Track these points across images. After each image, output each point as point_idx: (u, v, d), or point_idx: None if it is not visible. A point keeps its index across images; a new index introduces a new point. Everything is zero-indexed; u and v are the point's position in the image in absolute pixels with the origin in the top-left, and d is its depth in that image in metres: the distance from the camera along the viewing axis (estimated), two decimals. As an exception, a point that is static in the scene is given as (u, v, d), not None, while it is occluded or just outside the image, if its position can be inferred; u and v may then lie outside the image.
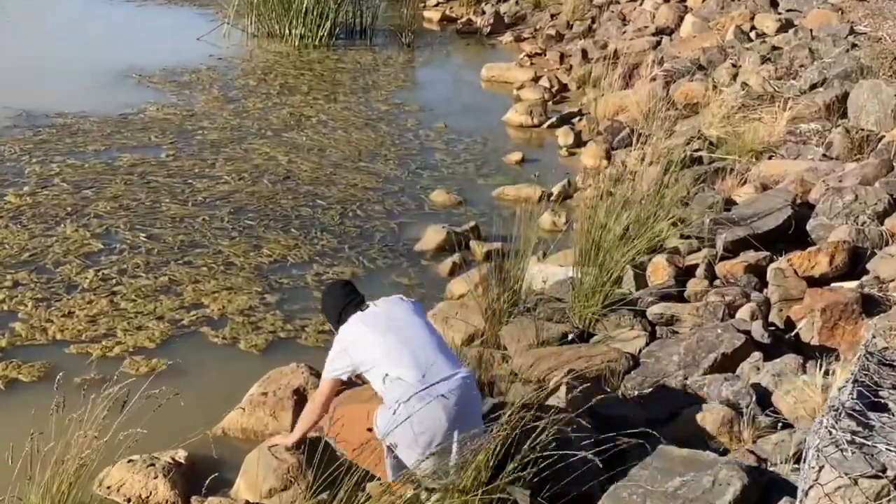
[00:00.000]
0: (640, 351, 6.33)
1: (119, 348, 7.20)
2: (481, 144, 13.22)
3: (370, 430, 4.98)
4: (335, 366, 5.31)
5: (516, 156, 12.57)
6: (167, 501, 5.44)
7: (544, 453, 4.61)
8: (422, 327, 5.32)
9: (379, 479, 5.00)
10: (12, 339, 7.26)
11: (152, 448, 5.63)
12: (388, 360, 5.06)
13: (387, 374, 5.02)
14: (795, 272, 6.85)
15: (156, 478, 5.50)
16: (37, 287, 8.07)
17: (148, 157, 11.64)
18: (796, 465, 4.50)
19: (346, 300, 5.48)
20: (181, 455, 5.76)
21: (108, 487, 5.50)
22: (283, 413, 6.04)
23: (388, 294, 5.29)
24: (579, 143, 12.97)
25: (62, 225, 9.41)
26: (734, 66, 13.18)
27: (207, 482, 5.20)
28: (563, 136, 13.23)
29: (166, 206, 10.11)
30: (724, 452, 4.88)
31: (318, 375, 5.57)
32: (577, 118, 14.20)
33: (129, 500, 5.45)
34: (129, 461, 5.55)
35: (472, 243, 9.32)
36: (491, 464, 4.67)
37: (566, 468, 4.60)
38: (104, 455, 4.68)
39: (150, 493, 5.45)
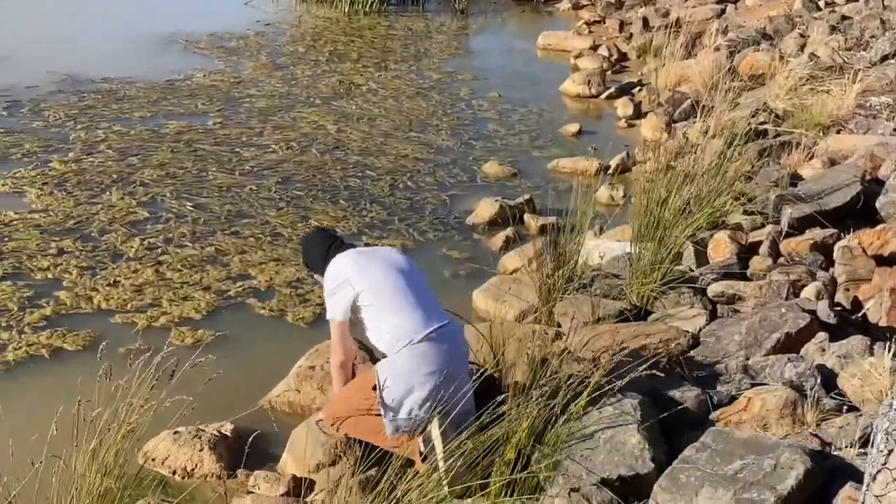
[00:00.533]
0: (699, 330, 6.30)
1: (164, 319, 7.27)
2: (536, 115, 13.19)
3: (374, 388, 5.17)
4: (338, 299, 5.43)
5: (573, 127, 12.52)
6: (213, 474, 5.50)
7: (594, 431, 4.62)
8: (419, 276, 5.65)
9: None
10: (57, 307, 7.35)
11: (198, 420, 5.68)
12: (390, 300, 5.35)
13: (387, 319, 5.30)
14: (864, 251, 6.78)
15: (201, 450, 5.57)
16: (82, 255, 8.18)
17: (194, 125, 11.74)
18: (862, 450, 4.46)
19: (329, 242, 5.75)
20: (227, 428, 5.82)
21: (154, 459, 5.57)
22: (330, 387, 6.08)
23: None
24: (639, 114, 12.90)
25: (107, 192, 9.52)
26: (802, 36, 13.04)
27: (252, 456, 5.24)
28: (622, 107, 13.17)
29: (213, 174, 10.20)
30: (787, 436, 4.86)
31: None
32: (637, 88, 14.14)
33: (174, 472, 5.52)
34: (175, 433, 5.62)
35: (527, 217, 9.31)
36: (531, 438, 4.68)
37: (618, 448, 4.61)
38: (150, 426, 4.74)
39: (196, 465, 5.52)
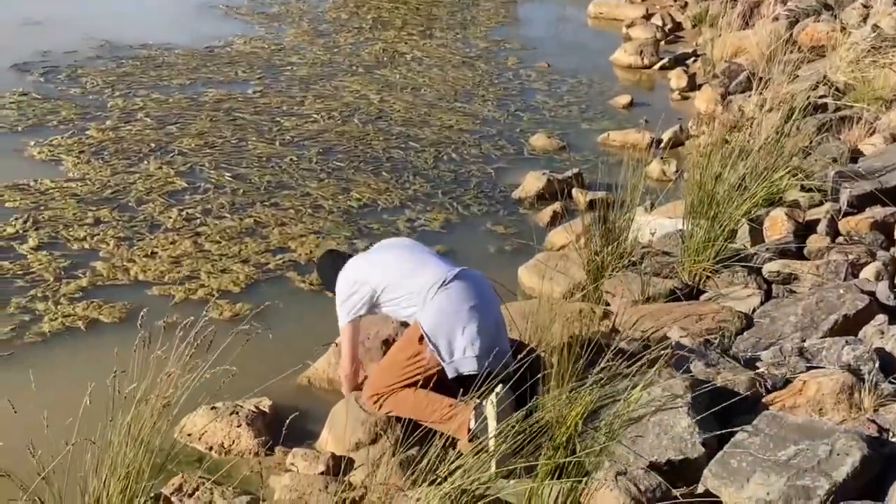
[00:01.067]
0: (753, 310, 6.26)
1: (202, 291, 7.32)
2: (586, 86, 13.14)
3: (420, 339, 5.26)
4: (352, 303, 5.60)
5: (624, 99, 12.47)
6: (250, 451, 5.53)
7: (643, 414, 4.60)
8: (427, 248, 5.95)
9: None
10: (93, 278, 7.42)
11: (236, 396, 5.72)
12: (407, 268, 5.53)
13: (410, 284, 5.42)
14: (926, 230, 6.71)
15: (239, 426, 5.60)
16: (119, 225, 8.25)
17: (234, 93, 11.79)
18: (921, 438, 4.43)
19: (338, 260, 5.94)
20: (265, 404, 5.85)
21: (190, 434, 5.61)
22: (371, 364, 6.09)
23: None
24: (693, 86, 12.82)
25: (145, 161, 9.60)
26: (864, 6, 12.86)
27: (290, 433, 5.25)
28: (676, 79, 13.09)
29: (253, 144, 10.24)
30: (843, 421, 4.82)
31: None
32: (692, 59, 14.05)
33: (210, 449, 5.56)
34: (212, 408, 5.65)
35: (575, 191, 9.27)
36: (579, 422, 4.67)
37: (667, 431, 4.60)
38: (186, 401, 4.77)
39: (233, 441, 5.55)
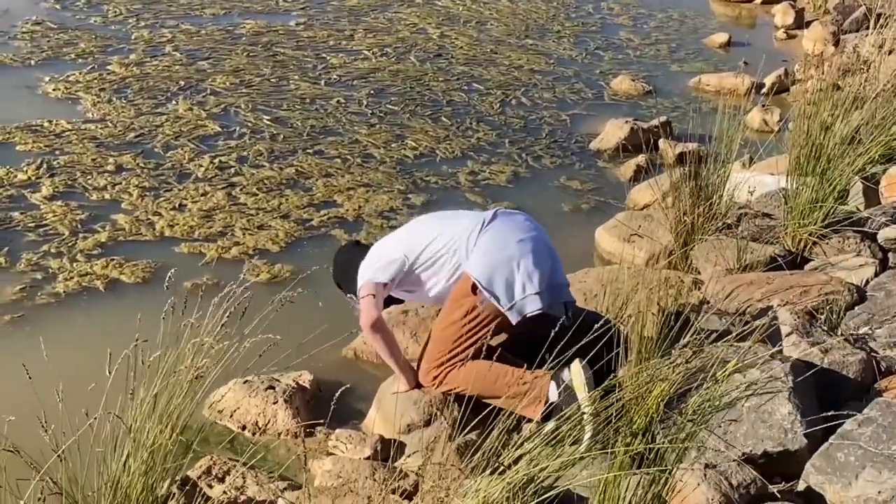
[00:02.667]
0: (866, 283, 6.19)
1: (237, 250, 7.36)
2: (677, 22, 13.04)
3: (473, 288, 5.26)
4: (375, 269, 5.54)
5: (720, 37, 12.37)
6: (288, 432, 5.54)
7: (737, 398, 4.58)
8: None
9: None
10: (114, 232, 7.48)
11: (272, 369, 5.74)
12: (438, 227, 5.57)
13: (446, 238, 5.46)
14: None
15: (275, 403, 5.62)
16: (143, 173, 8.31)
17: (274, 25, 11.82)
18: None
19: (362, 250, 5.86)
20: (305, 378, 5.88)
21: (220, 412, 5.63)
22: (425, 335, 6.09)
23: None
24: (800, 23, 12.69)
25: (174, 101, 9.66)
26: None
27: (334, 412, 5.25)
28: (781, 15, 12.96)
29: (295, 83, 10.27)
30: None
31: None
32: (800, -8, 13.86)
33: (243, 428, 5.58)
34: (245, 382, 5.68)
35: (662, 143, 9.21)
36: (662, 404, 4.64)
37: (765, 419, 4.57)
38: (218, 373, 4.79)
39: (269, 420, 5.58)
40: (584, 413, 4.61)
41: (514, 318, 5.23)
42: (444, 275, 5.49)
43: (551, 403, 4.98)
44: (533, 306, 5.21)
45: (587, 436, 4.51)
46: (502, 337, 5.49)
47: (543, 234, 5.53)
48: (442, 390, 5.40)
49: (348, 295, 5.85)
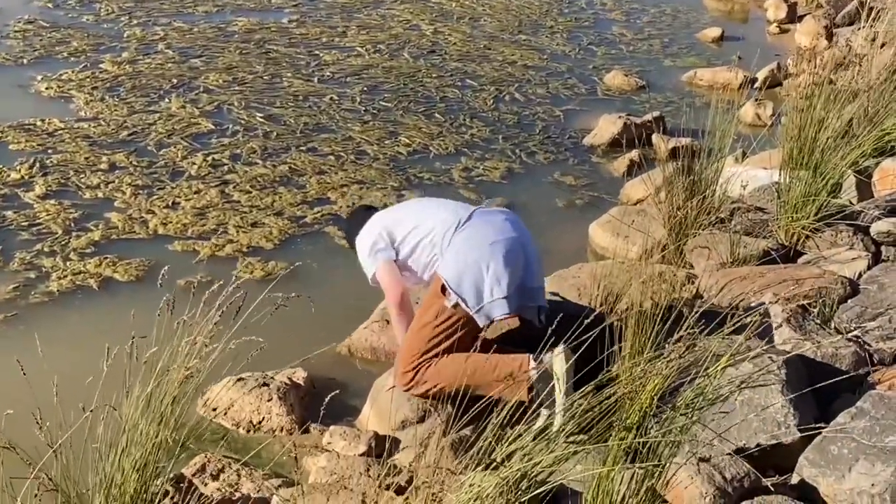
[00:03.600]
0: (859, 276, 6.21)
1: (230, 247, 7.36)
2: (670, 16, 13.05)
3: (443, 288, 5.25)
4: (369, 243, 5.64)
5: (713, 32, 12.39)
6: (282, 428, 5.56)
7: (730, 391, 4.59)
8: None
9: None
10: (107, 231, 7.48)
11: (266, 366, 5.77)
12: (422, 213, 5.64)
13: (426, 228, 5.50)
14: None
15: (269, 400, 5.64)
16: (136, 171, 8.31)
17: (267, 22, 11.83)
18: None
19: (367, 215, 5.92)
20: (299, 375, 5.90)
21: (214, 409, 5.64)
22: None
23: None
24: (793, 17, 12.71)
25: (166, 99, 9.66)
26: None
27: (328, 408, 5.25)
28: (774, 9, 12.97)
29: (288, 81, 10.27)
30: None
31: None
32: (793, -13, 13.86)
33: (237, 425, 5.59)
34: (240, 379, 5.68)
35: (655, 137, 9.23)
36: (655, 398, 4.65)
37: (758, 412, 4.58)
38: (211, 371, 4.79)
39: (263, 418, 5.59)
40: (558, 400, 4.64)
41: (481, 322, 5.23)
42: (423, 265, 5.53)
43: (534, 385, 4.97)
44: (500, 311, 5.21)
45: (557, 423, 4.51)
46: (503, 330, 5.52)
47: (523, 236, 5.46)
48: (420, 391, 5.36)
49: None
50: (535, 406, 4.62)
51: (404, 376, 5.38)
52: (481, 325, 5.24)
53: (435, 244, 5.42)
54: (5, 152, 8.48)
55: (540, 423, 4.48)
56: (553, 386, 4.87)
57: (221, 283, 4.65)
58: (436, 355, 5.29)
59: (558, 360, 4.93)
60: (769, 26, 12.84)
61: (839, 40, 11.09)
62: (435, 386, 5.31)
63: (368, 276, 5.69)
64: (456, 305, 5.21)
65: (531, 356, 5.05)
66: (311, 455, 5.32)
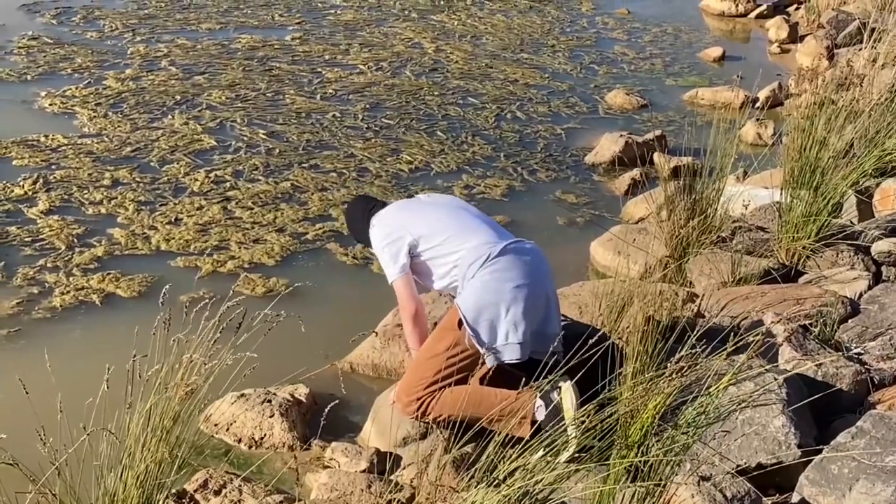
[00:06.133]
0: (860, 296, 6.22)
1: (232, 263, 7.37)
2: (672, 36, 13.07)
3: (459, 322, 5.19)
4: (395, 251, 5.53)
5: (715, 51, 12.40)
6: (284, 444, 5.56)
7: (730, 410, 4.59)
8: (477, 211, 5.86)
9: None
10: (110, 247, 7.49)
11: (268, 382, 5.77)
12: (455, 230, 5.49)
13: (455, 249, 5.39)
14: None
15: (271, 416, 5.63)
16: (139, 188, 8.32)
17: (270, 40, 11.84)
18: None
19: (370, 204, 5.92)
20: (301, 392, 5.89)
21: (216, 425, 5.65)
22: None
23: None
24: (794, 37, 12.72)
25: (169, 116, 9.68)
26: None
27: (329, 425, 5.23)
28: (775, 29, 13.00)
29: (290, 98, 10.29)
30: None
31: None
32: (794, 7, 13.92)
33: (239, 441, 5.59)
34: (241, 395, 5.69)
35: (657, 156, 9.23)
36: (656, 417, 4.66)
37: (759, 432, 4.59)
38: (212, 386, 4.79)
39: (265, 434, 5.59)
40: (570, 434, 4.62)
41: (490, 362, 5.22)
42: (440, 279, 5.50)
43: (538, 423, 4.97)
44: (511, 355, 5.19)
45: (570, 448, 4.52)
46: None
47: (546, 281, 5.41)
48: (426, 420, 5.36)
49: (368, 248, 5.95)
50: (537, 436, 4.63)
51: (409, 404, 5.36)
52: (490, 365, 5.25)
53: (458, 266, 5.36)
54: (9, 168, 8.50)
55: (539, 455, 4.47)
56: (560, 419, 4.86)
57: (217, 299, 4.66)
58: (441, 388, 5.28)
59: (567, 397, 4.92)
60: (770, 46, 12.86)
61: (840, 60, 11.10)
62: (439, 416, 5.30)
63: (388, 278, 5.65)
64: (468, 340, 5.20)
65: (540, 400, 5.03)
66: (312, 471, 5.32)
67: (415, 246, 5.48)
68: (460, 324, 5.21)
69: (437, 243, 5.45)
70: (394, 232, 5.55)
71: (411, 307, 5.57)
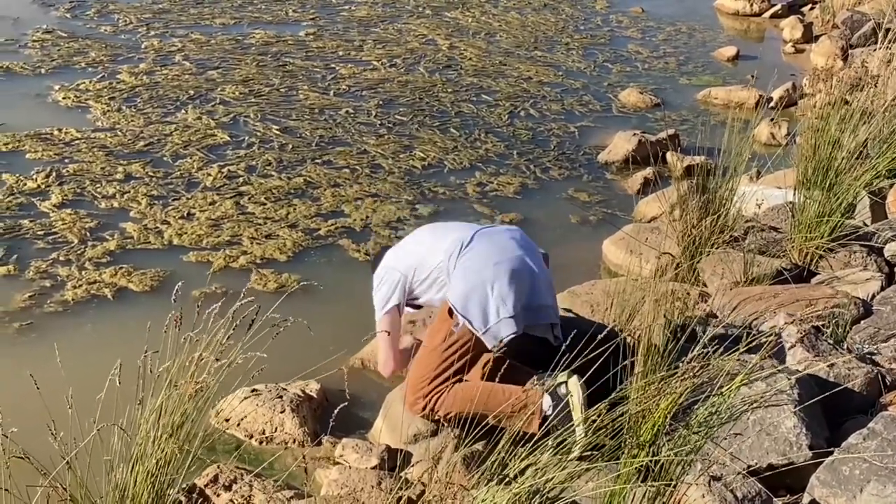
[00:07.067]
0: (872, 297, 6.20)
1: (244, 259, 7.37)
2: (686, 35, 13.06)
3: (450, 312, 5.25)
4: (384, 292, 5.63)
5: (729, 51, 12.39)
6: (295, 440, 5.57)
7: (741, 411, 4.58)
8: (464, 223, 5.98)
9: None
10: (122, 241, 7.49)
11: (279, 378, 5.78)
12: (431, 240, 5.61)
13: (434, 254, 5.47)
14: None
15: (282, 412, 5.64)
16: (152, 182, 8.33)
17: (284, 35, 11.85)
18: None
19: None
20: (313, 388, 5.90)
21: (227, 420, 5.65)
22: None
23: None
24: (809, 37, 12.69)
25: (183, 111, 9.69)
26: None
27: (340, 421, 5.22)
28: (790, 29, 12.97)
29: (304, 94, 10.29)
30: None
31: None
32: (808, 7, 13.89)
33: (250, 436, 5.59)
34: (253, 391, 5.69)
35: (670, 155, 9.23)
36: (667, 417, 4.65)
37: (770, 432, 4.57)
38: (224, 382, 4.79)
39: (276, 429, 5.59)
40: (577, 431, 4.62)
41: (489, 343, 5.20)
42: (438, 291, 5.51)
43: (547, 416, 4.97)
44: (507, 330, 5.17)
45: (578, 443, 4.50)
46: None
47: (528, 253, 5.42)
48: (435, 418, 5.36)
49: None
50: (544, 431, 4.62)
51: (416, 403, 5.36)
52: (490, 347, 5.22)
53: (441, 271, 5.40)
54: (22, 161, 8.51)
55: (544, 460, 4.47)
56: (567, 414, 4.86)
57: (229, 294, 4.67)
58: (446, 380, 5.27)
59: (574, 392, 4.91)
60: (785, 46, 12.84)
61: (854, 61, 11.08)
62: (448, 414, 5.30)
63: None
64: (462, 327, 5.21)
65: (544, 389, 5.03)
66: (322, 467, 5.32)
67: (406, 278, 5.56)
68: (451, 313, 5.23)
69: (418, 266, 5.52)
70: (387, 272, 5.65)
71: (389, 367, 5.73)
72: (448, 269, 5.35)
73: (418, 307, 5.95)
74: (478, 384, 5.24)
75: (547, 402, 5.01)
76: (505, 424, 4.75)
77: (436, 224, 6.10)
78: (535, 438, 4.48)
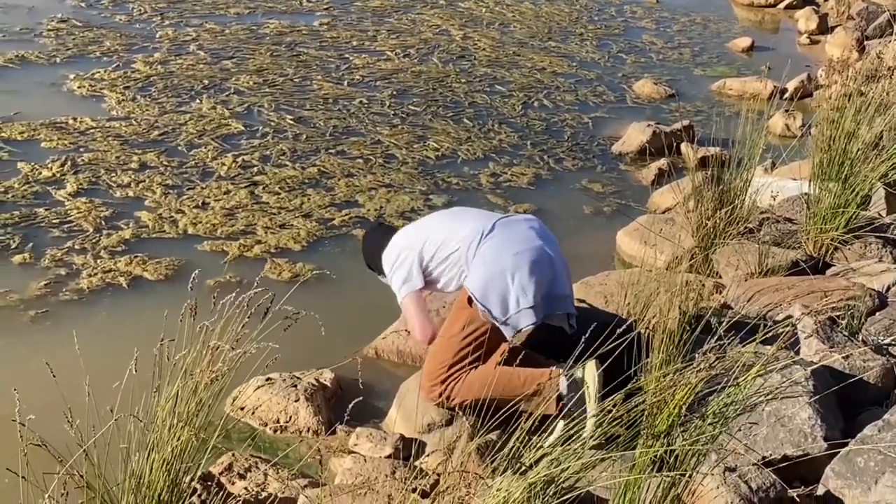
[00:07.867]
0: (888, 288, 6.19)
1: (259, 248, 7.37)
2: (701, 26, 13.03)
3: (469, 300, 5.24)
4: (403, 270, 5.58)
5: (744, 42, 12.36)
6: (309, 429, 5.57)
7: (757, 402, 4.57)
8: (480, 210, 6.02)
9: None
10: (137, 230, 7.50)
11: (294, 367, 5.79)
12: (449, 227, 5.56)
13: (453, 240, 5.45)
14: None
15: (297, 401, 5.64)
16: (167, 171, 8.34)
17: (298, 25, 11.85)
18: None
19: (386, 232, 5.92)
20: (327, 377, 5.91)
21: (242, 409, 5.66)
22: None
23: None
24: (824, 28, 12.67)
25: (197, 100, 9.69)
26: None
27: (355, 410, 5.25)
28: (805, 20, 12.94)
29: (318, 83, 10.29)
30: None
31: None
32: (824, -2, 13.85)
33: (265, 425, 5.60)
34: (268, 380, 5.70)
35: (684, 146, 9.21)
36: (683, 408, 4.64)
37: (785, 423, 4.57)
38: (239, 371, 4.79)
39: (290, 418, 5.60)
40: (588, 424, 4.61)
41: (509, 334, 5.22)
42: (450, 279, 5.50)
43: (565, 397, 4.97)
44: (527, 321, 5.19)
45: (589, 427, 4.49)
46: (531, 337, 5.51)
47: (548, 244, 5.42)
48: (452, 405, 5.35)
49: (381, 276, 5.89)
50: (562, 413, 4.63)
51: (432, 390, 5.36)
52: (508, 337, 5.24)
53: (461, 257, 5.38)
54: (38, 150, 8.52)
55: (556, 435, 4.47)
56: (582, 395, 4.86)
57: (244, 283, 4.67)
58: (463, 368, 5.28)
59: (589, 371, 4.91)
60: (800, 37, 12.82)
61: (870, 52, 11.06)
62: (464, 401, 5.28)
63: (398, 299, 5.69)
64: (482, 316, 5.22)
65: (561, 370, 5.04)
66: (337, 456, 5.32)
67: (423, 259, 5.52)
68: (470, 301, 5.23)
69: (438, 247, 5.49)
70: (400, 251, 5.61)
71: (427, 332, 5.59)
72: (467, 258, 5.34)
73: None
74: (494, 369, 5.23)
75: (563, 383, 5.01)
76: (522, 407, 4.75)
77: (455, 209, 6.13)
78: (550, 418, 4.50)
